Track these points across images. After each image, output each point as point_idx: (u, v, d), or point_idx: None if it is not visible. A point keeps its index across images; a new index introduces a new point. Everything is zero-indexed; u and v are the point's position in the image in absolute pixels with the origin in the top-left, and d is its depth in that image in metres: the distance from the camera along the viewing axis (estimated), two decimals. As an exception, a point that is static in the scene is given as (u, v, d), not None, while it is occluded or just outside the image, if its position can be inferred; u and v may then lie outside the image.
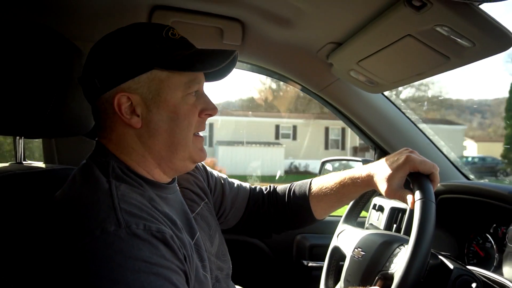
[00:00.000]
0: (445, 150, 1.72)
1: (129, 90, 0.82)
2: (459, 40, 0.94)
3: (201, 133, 0.93)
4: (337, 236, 1.27)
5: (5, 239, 0.84)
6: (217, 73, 0.95)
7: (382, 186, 0.99)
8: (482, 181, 1.58)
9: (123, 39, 0.84)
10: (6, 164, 1.06)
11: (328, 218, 1.33)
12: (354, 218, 1.30)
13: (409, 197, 0.92)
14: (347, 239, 1.20)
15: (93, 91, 0.85)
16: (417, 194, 0.89)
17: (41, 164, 1.19)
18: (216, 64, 0.84)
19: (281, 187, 1.29)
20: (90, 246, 0.66)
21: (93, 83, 0.83)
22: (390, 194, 0.98)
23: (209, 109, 0.90)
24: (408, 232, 1.40)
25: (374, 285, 0.95)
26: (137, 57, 0.82)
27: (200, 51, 0.87)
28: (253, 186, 1.30)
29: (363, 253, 1.05)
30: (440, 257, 0.96)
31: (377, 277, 0.96)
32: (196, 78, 0.87)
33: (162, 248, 0.70)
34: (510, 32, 0.88)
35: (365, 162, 1.84)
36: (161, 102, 0.83)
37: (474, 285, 0.89)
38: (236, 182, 1.27)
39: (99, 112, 0.86)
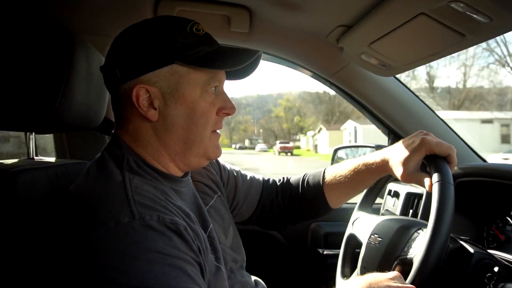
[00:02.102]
0: (460, 133, 1.69)
1: (148, 83, 0.81)
2: (475, 16, 0.91)
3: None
4: (352, 223, 1.26)
5: (18, 234, 0.84)
6: (239, 72, 0.93)
7: (398, 171, 0.97)
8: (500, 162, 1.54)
9: (146, 31, 0.84)
10: (17, 160, 1.06)
11: (342, 205, 1.32)
12: (369, 205, 1.28)
13: (427, 180, 0.89)
14: (363, 226, 1.18)
15: (114, 81, 0.85)
16: (435, 176, 0.87)
17: (52, 159, 1.19)
18: (238, 63, 0.83)
19: (294, 178, 1.27)
20: (104, 238, 0.66)
21: (114, 72, 0.83)
22: (406, 178, 0.96)
23: (227, 108, 0.89)
24: (425, 217, 1.38)
25: (393, 271, 0.93)
26: (159, 51, 0.81)
27: (222, 49, 0.87)
28: (266, 178, 1.28)
29: (380, 239, 1.03)
30: (460, 241, 0.94)
31: (395, 263, 0.94)
32: (216, 76, 0.86)
33: (176, 240, 0.70)
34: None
35: (378, 147, 1.81)
36: (179, 97, 0.82)
37: (496, 269, 0.86)
38: (249, 174, 1.26)
39: (118, 103, 0.86)
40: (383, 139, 1.86)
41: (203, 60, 0.82)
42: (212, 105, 0.86)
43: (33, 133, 1.13)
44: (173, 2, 1.31)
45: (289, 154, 33.46)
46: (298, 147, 46.31)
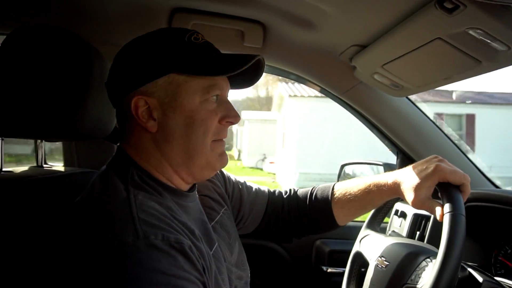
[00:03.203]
0: (471, 156, 1.67)
1: (146, 94, 0.81)
2: (492, 43, 0.90)
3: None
4: (360, 241, 1.24)
5: (25, 245, 0.83)
6: (245, 80, 0.92)
7: (409, 196, 0.95)
8: (510, 188, 1.52)
9: (145, 43, 0.84)
10: (26, 168, 1.06)
11: (349, 223, 1.30)
12: (377, 223, 1.27)
13: (438, 209, 0.87)
14: (370, 245, 1.17)
15: (116, 94, 0.85)
16: (447, 206, 0.85)
17: (61, 168, 1.19)
18: (236, 67, 0.82)
19: (302, 191, 1.25)
20: (107, 257, 0.65)
21: (115, 86, 0.84)
22: (417, 205, 0.94)
23: (231, 116, 0.88)
24: (432, 240, 1.36)
25: None
26: (155, 61, 0.81)
27: (220, 56, 0.85)
28: (272, 190, 1.27)
29: (387, 263, 1.02)
30: (468, 268, 0.93)
31: None
32: (216, 84, 0.85)
33: (180, 259, 0.68)
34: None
35: (386, 165, 1.80)
36: (177, 106, 0.81)
37: None
38: (255, 186, 1.24)
39: (120, 115, 0.87)
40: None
41: (199, 68, 0.81)
42: (214, 113, 0.85)
43: (43, 141, 1.13)
44: (188, 15, 1.32)
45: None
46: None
